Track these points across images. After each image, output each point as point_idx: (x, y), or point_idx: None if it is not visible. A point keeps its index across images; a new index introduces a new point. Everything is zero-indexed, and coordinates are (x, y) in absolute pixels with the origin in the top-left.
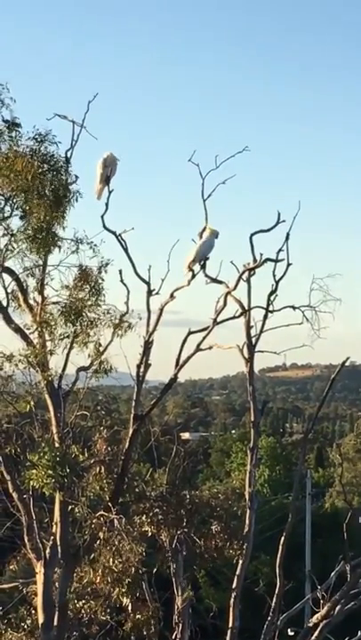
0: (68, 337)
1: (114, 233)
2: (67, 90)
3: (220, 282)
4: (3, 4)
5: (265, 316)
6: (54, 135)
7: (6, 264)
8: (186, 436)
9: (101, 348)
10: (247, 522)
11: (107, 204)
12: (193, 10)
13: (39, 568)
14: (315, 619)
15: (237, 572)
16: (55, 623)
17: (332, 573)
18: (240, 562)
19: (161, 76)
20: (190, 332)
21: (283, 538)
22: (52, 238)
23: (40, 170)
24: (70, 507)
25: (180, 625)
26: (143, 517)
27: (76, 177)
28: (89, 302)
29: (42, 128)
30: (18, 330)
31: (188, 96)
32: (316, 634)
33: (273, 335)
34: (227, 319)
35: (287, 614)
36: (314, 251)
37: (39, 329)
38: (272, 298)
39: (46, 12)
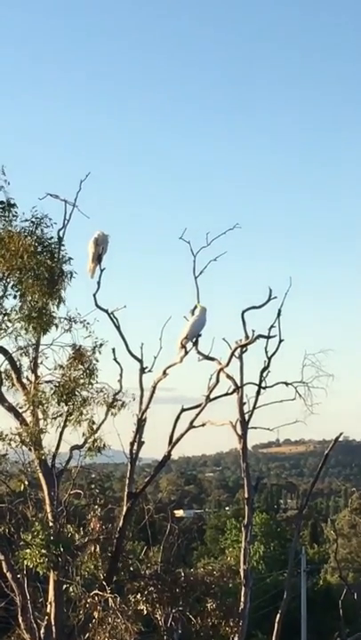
0: (61, 416)
1: (106, 311)
2: (60, 168)
3: (213, 359)
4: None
5: (258, 393)
6: (50, 218)
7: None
8: (180, 513)
9: (95, 427)
10: (242, 599)
11: (99, 283)
12: (186, 85)
13: None
14: None
15: None
16: None
17: None
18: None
19: (153, 154)
20: (183, 409)
21: (278, 615)
22: (48, 318)
23: (34, 250)
24: (65, 586)
25: None
26: (138, 596)
27: (70, 258)
28: (82, 381)
29: (38, 211)
30: (11, 409)
31: (179, 172)
32: None
33: (266, 411)
34: (220, 396)
35: None
36: (306, 326)
37: (32, 408)
38: (264, 374)
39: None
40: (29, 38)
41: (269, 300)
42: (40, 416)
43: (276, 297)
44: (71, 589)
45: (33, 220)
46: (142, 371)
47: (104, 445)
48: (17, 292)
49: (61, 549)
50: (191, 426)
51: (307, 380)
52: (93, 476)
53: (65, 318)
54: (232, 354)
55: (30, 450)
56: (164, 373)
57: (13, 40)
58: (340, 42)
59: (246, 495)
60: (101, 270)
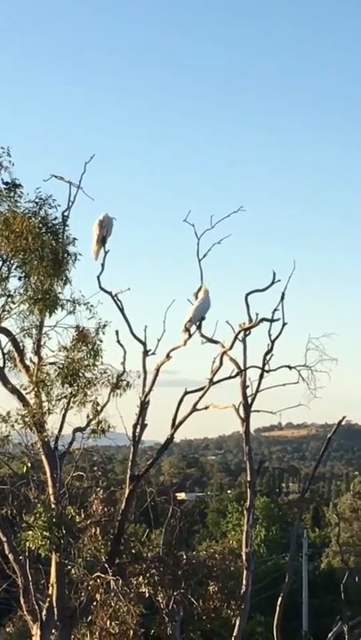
0: (65, 397)
1: (110, 293)
2: (65, 149)
3: (216, 342)
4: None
5: (261, 376)
6: (54, 199)
7: (2, 324)
8: (182, 496)
9: (98, 408)
10: (244, 582)
11: (103, 265)
12: (187, 67)
13: (35, 630)
14: None
15: (234, 633)
16: None
17: (330, 634)
18: (237, 622)
19: (158, 136)
20: (186, 392)
21: (280, 598)
22: (54, 299)
23: (39, 231)
24: (67, 568)
25: None
26: (140, 578)
27: (74, 239)
28: (86, 363)
29: (43, 192)
30: (14, 390)
31: (183, 154)
32: None
33: (269, 395)
34: (223, 379)
35: None
36: (310, 309)
37: (36, 389)
38: (268, 357)
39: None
40: (32, 18)
41: (273, 283)
42: (44, 398)
43: (279, 280)
44: (73, 571)
45: (37, 200)
46: (146, 353)
47: (108, 427)
48: (21, 273)
49: (63, 531)
50: (194, 409)
51: (310, 364)
52: (96, 458)
53: (69, 300)
54: (236, 337)
55: (33, 432)
56: (168, 356)
57: (19, 20)
58: None
59: (248, 478)
60: (105, 252)
